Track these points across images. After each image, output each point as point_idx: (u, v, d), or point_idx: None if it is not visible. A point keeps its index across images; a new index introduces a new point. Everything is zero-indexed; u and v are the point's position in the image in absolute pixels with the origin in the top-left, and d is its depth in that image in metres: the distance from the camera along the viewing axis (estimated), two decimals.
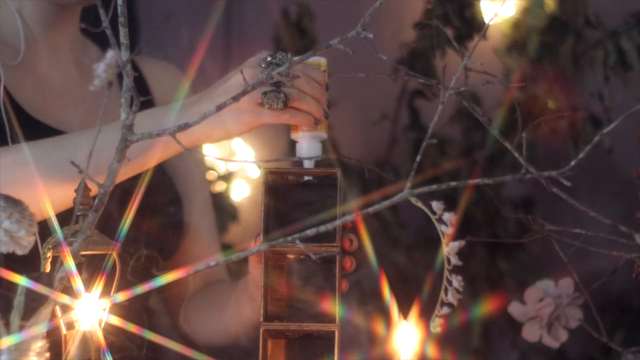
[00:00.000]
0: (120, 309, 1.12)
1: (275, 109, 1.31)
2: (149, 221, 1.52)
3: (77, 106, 1.60)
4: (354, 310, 2.14)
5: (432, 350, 1.19)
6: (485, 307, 2.31)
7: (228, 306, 1.56)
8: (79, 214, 1.13)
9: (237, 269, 2.02)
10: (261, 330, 1.30)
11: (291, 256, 1.33)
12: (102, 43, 1.69)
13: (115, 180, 1.03)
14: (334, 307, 1.30)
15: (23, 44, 1.57)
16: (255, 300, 1.42)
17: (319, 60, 1.38)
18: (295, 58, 1.08)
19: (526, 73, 2.30)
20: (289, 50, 1.59)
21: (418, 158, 1.04)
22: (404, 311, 1.17)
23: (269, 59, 1.31)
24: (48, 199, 1.24)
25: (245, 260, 1.33)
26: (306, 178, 1.34)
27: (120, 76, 1.02)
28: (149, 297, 1.64)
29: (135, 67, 1.11)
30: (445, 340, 1.23)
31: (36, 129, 1.51)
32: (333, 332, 1.29)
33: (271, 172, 1.32)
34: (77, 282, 1.05)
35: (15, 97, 1.52)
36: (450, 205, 1.04)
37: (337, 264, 1.30)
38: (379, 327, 1.40)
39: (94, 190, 1.05)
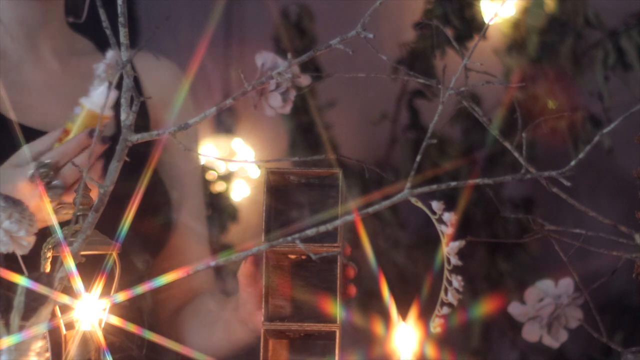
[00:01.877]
0: (120, 309, 1.12)
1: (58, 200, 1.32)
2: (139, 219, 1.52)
3: (60, 104, 1.57)
4: (353, 311, 2.14)
5: (431, 351, 1.19)
6: (485, 307, 2.31)
7: (217, 326, 1.55)
8: (79, 214, 1.13)
9: (236, 269, 2.01)
10: (262, 331, 1.30)
11: (292, 256, 1.33)
12: (94, 36, 1.66)
13: (115, 180, 1.04)
14: (334, 307, 1.30)
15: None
16: (247, 324, 1.42)
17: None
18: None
19: (526, 73, 2.30)
20: (288, 50, 1.59)
21: (418, 158, 1.04)
22: (404, 311, 1.17)
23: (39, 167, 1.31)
24: None
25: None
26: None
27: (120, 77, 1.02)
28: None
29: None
30: (444, 341, 1.23)
31: (11, 129, 1.49)
32: (334, 332, 1.29)
33: (273, 172, 1.32)
34: (77, 282, 1.05)
35: None
36: (450, 205, 1.04)
37: (339, 264, 1.29)
38: (378, 327, 1.40)
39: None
